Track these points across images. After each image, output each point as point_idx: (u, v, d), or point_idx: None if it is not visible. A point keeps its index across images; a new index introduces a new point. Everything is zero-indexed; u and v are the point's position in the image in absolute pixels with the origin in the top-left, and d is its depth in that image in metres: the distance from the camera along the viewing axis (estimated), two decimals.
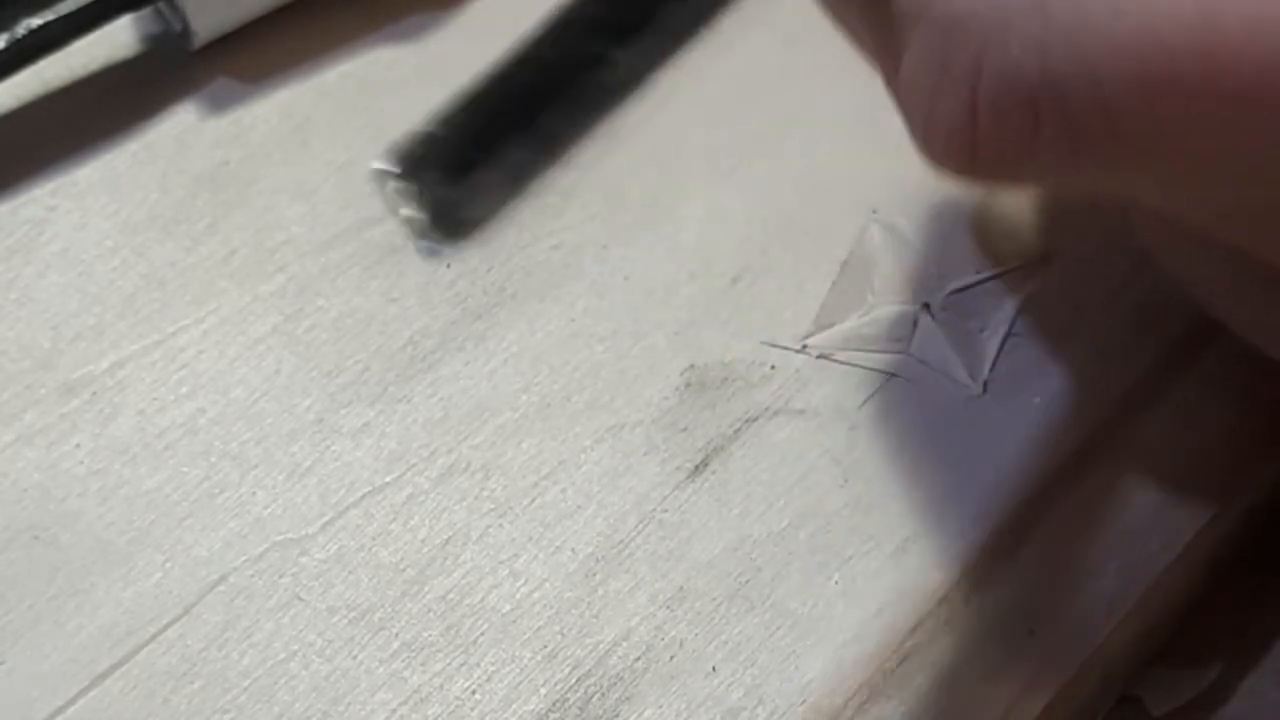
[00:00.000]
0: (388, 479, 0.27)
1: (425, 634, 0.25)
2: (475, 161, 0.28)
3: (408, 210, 0.23)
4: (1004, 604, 0.26)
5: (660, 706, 0.25)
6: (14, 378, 0.28)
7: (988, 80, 0.19)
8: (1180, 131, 0.18)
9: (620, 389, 0.28)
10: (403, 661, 0.25)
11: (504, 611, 0.25)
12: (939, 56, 0.19)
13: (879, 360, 0.28)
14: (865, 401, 0.28)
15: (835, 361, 0.28)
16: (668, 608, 0.26)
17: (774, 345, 0.28)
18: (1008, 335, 0.29)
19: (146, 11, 0.32)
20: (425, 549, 0.26)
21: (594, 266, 0.30)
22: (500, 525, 0.26)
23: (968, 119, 0.19)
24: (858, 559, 0.26)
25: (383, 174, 0.26)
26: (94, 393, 0.28)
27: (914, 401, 0.28)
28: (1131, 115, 0.18)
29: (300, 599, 0.25)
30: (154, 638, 0.25)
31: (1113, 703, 0.28)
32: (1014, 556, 0.26)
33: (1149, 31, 0.17)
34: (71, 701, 0.24)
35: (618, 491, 0.27)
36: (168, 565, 0.26)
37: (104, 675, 0.25)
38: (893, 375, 0.28)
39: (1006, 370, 0.28)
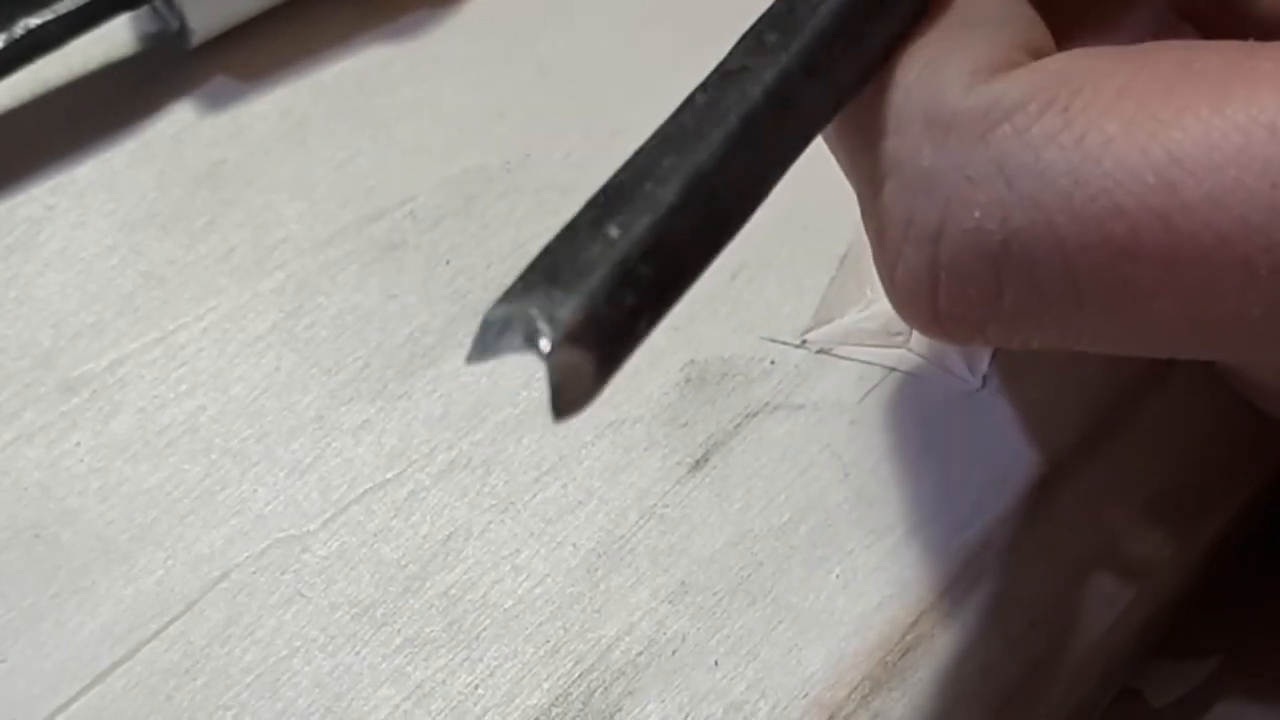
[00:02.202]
0: (389, 475, 0.27)
1: (427, 629, 0.25)
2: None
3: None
4: (1005, 597, 0.26)
5: (663, 701, 0.25)
6: (14, 376, 0.28)
7: (948, 242, 0.19)
8: (1144, 293, 0.18)
9: (620, 384, 0.28)
10: (405, 657, 0.25)
11: (506, 607, 0.25)
12: (906, 211, 0.19)
13: (878, 355, 0.28)
14: (865, 396, 0.28)
15: (835, 356, 0.28)
16: (669, 602, 0.26)
17: (774, 340, 0.28)
18: None
19: (144, 10, 0.32)
20: (427, 545, 0.26)
21: None
22: (501, 521, 0.26)
23: (930, 278, 0.19)
24: (859, 552, 0.26)
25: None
26: (94, 391, 0.28)
27: (913, 396, 0.28)
28: (1094, 280, 0.18)
29: (302, 595, 0.25)
30: (156, 635, 0.25)
31: (1113, 695, 0.28)
32: (1014, 549, 0.26)
33: (1110, 200, 0.17)
34: (74, 699, 0.24)
35: (618, 487, 0.27)
36: (169, 562, 0.26)
37: (106, 673, 0.25)
38: (892, 370, 0.28)
39: (1005, 365, 0.28)
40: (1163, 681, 0.29)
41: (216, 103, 0.32)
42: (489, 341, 0.16)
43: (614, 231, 0.17)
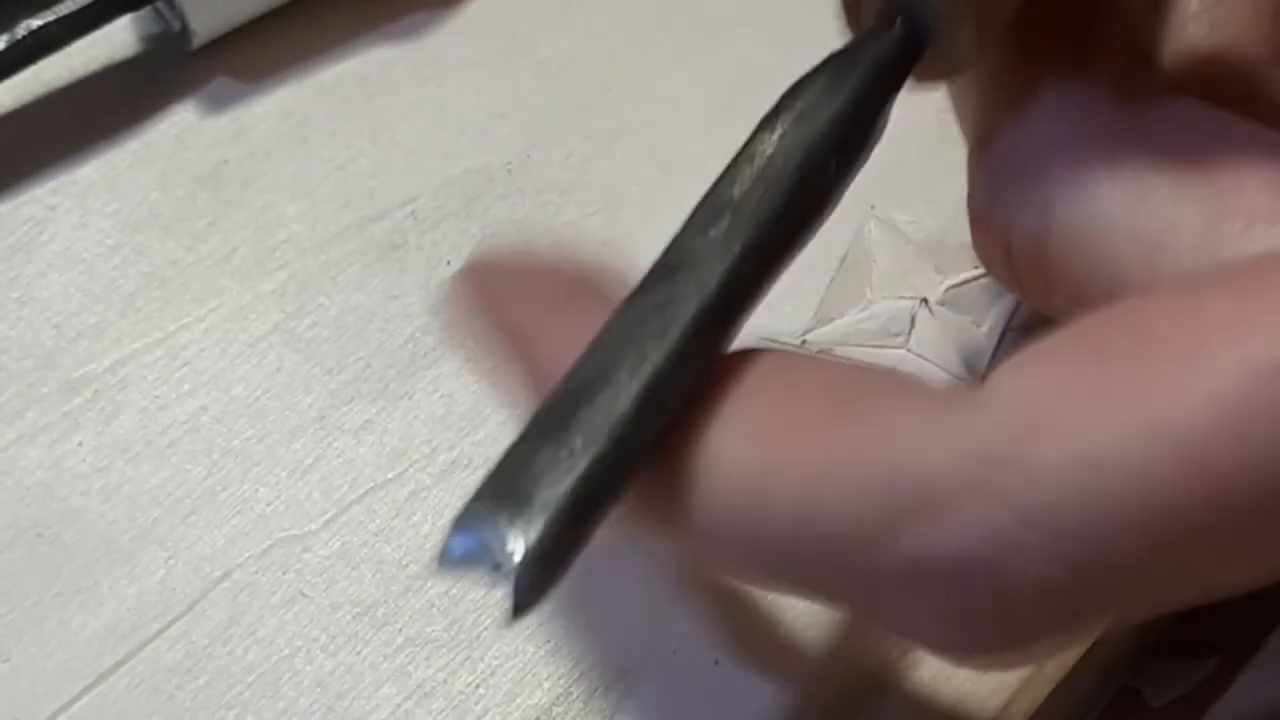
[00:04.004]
0: (390, 475, 0.27)
1: (429, 629, 0.25)
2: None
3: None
4: None
5: (663, 700, 0.25)
6: (16, 376, 0.28)
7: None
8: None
9: None
10: (406, 656, 0.25)
11: (506, 607, 0.25)
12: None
13: (878, 355, 0.28)
14: None
15: (835, 356, 0.28)
16: (670, 602, 0.26)
17: (774, 340, 0.29)
18: (1005, 330, 0.29)
19: (146, 11, 0.32)
20: (428, 545, 0.26)
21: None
22: None
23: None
24: None
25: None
26: (96, 391, 0.28)
27: None
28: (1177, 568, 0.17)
29: (304, 595, 0.26)
30: (158, 634, 0.25)
31: (1112, 694, 0.28)
32: None
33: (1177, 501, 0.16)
34: (76, 699, 0.24)
35: None
36: (171, 562, 0.26)
37: (109, 672, 0.25)
38: (892, 370, 0.28)
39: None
40: (1163, 681, 0.29)
41: (218, 104, 0.32)
42: (451, 563, 0.17)
43: (572, 449, 0.17)
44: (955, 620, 0.18)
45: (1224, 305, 0.17)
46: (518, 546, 0.16)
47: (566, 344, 0.19)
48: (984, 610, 0.18)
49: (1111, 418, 0.16)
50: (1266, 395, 0.16)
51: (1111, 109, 0.22)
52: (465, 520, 0.17)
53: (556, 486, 0.17)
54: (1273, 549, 0.17)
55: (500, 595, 0.16)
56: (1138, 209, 0.21)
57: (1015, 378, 0.18)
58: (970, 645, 0.18)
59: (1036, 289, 0.22)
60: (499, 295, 0.21)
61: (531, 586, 0.17)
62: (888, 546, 0.18)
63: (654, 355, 0.18)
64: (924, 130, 0.31)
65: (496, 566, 0.16)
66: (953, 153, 0.32)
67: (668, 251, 0.20)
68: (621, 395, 0.18)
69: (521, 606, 0.17)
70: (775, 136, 0.20)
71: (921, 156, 0.31)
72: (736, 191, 0.20)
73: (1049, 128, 0.23)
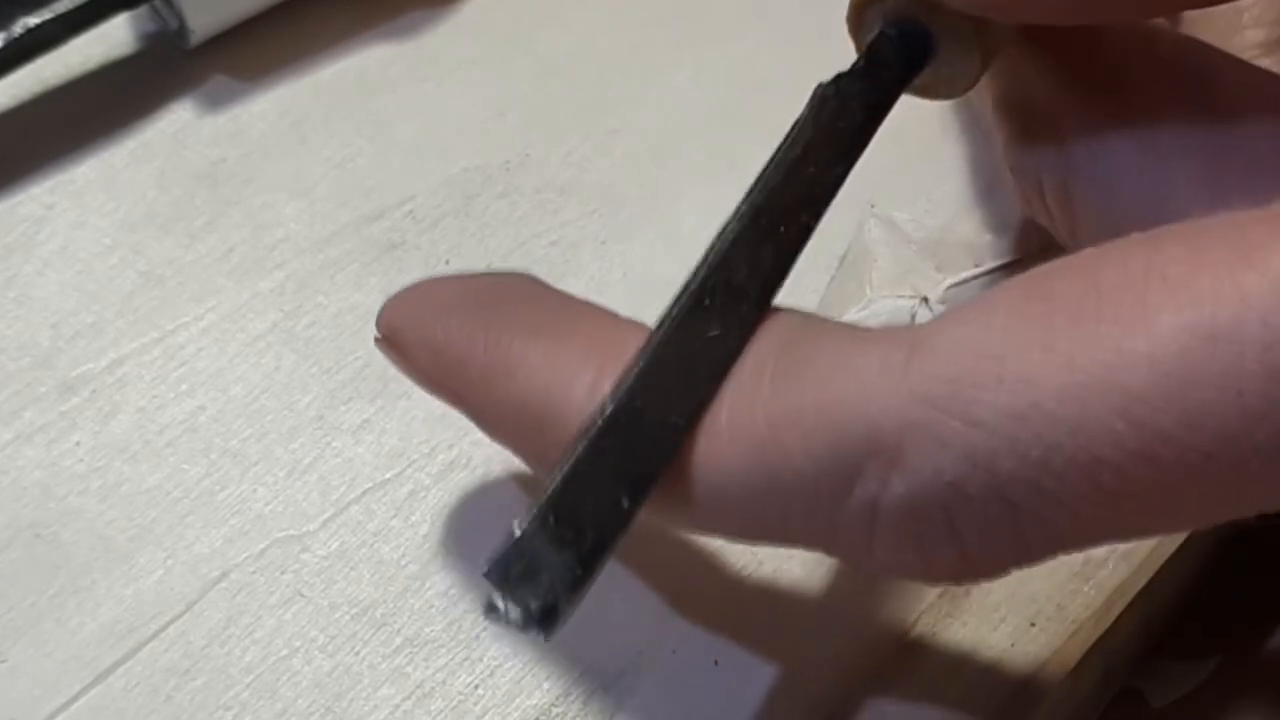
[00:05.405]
0: (388, 475, 0.27)
1: (427, 629, 0.25)
2: None
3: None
4: (1005, 597, 0.26)
5: (663, 700, 0.25)
6: (13, 376, 0.28)
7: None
8: (1148, 514, 0.18)
9: None
10: (405, 657, 0.25)
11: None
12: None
13: None
14: None
15: None
16: (670, 601, 0.26)
17: None
18: None
19: (143, 10, 0.32)
20: (427, 545, 0.26)
21: (592, 262, 0.30)
22: None
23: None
24: None
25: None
26: (93, 390, 0.28)
27: None
28: (1097, 520, 0.18)
29: (302, 595, 0.25)
30: (156, 635, 0.25)
31: (1113, 694, 0.28)
32: None
33: (1089, 456, 0.17)
34: (74, 699, 0.24)
35: None
36: (169, 562, 0.26)
37: (106, 672, 0.25)
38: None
39: None
40: (1163, 681, 0.29)
41: (216, 102, 0.32)
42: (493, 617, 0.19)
43: (571, 536, 0.19)
44: (913, 553, 0.19)
45: (1175, 262, 0.17)
46: (530, 613, 0.19)
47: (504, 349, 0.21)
48: (939, 544, 0.18)
49: (1053, 369, 0.17)
50: (1202, 361, 0.16)
51: (1122, 61, 0.23)
52: (494, 587, 0.19)
53: (558, 569, 0.19)
54: (1204, 503, 0.18)
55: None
56: (1143, 159, 0.22)
57: (961, 324, 0.18)
58: (931, 575, 0.19)
59: (1067, 229, 0.24)
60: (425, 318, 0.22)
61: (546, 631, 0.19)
62: (841, 494, 0.18)
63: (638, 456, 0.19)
64: (924, 130, 0.31)
65: (518, 629, 0.19)
66: (953, 152, 0.32)
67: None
68: (615, 490, 0.19)
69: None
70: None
71: (921, 156, 0.31)
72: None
73: (1065, 80, 0.23)
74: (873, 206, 0.30)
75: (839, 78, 0.23)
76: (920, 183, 0.31)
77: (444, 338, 0.22)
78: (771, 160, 0.22)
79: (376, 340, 0.23)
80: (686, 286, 0.21)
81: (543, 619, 0.19)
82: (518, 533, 0.19)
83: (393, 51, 0.33)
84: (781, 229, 0.21)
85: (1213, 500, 0.18)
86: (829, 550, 0.20)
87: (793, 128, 0.22)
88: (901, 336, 0.19)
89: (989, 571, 0.19)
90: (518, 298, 0.22)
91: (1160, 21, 0.25)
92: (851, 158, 0.22)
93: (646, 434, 0.19)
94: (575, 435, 0.19)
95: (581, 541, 0.19)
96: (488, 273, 0.25)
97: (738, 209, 0.21)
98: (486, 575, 0.19)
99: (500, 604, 0.19)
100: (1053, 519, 0.18)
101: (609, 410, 0.19)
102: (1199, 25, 0.25)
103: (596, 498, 0.19)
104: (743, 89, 0.32)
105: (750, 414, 0.19)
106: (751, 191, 0.21)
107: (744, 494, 0.19)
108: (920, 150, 0.31)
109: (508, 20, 0.33)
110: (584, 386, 0.20)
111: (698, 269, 0.21)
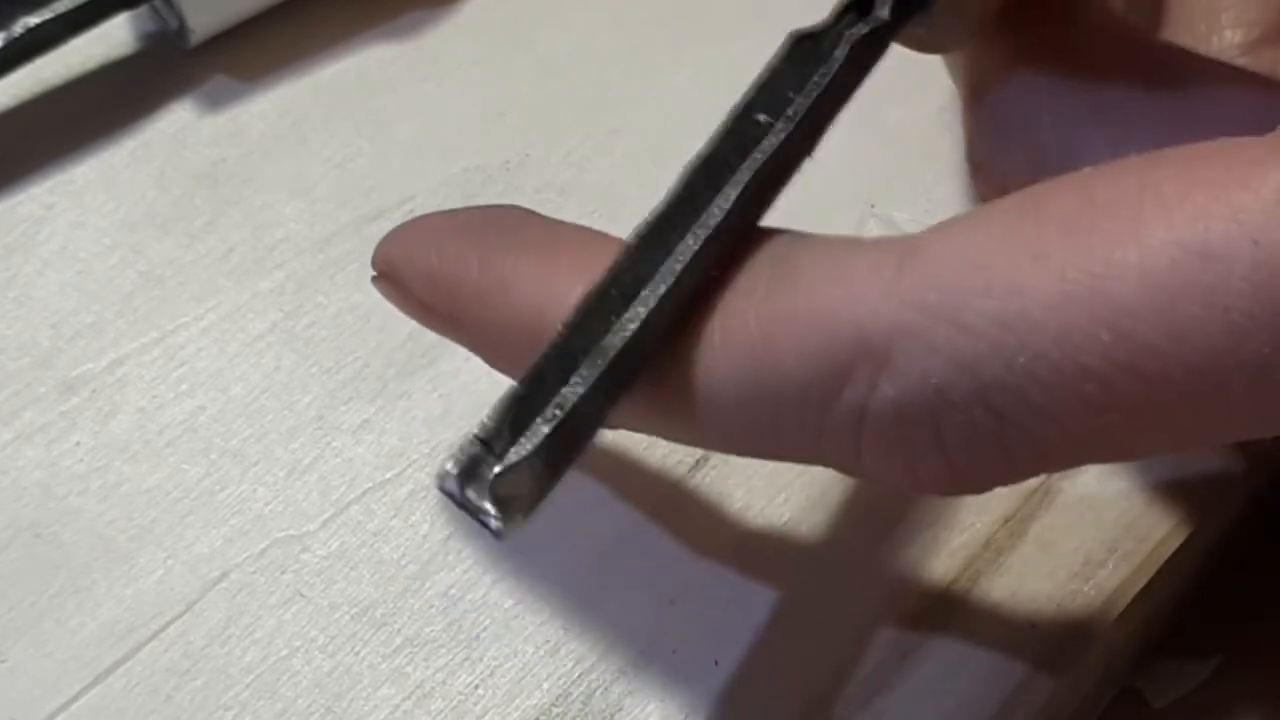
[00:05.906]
0: (389, 475, 0.27)
1: (427, 629, 0.25)
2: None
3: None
4: (1005, 597, 0.26)
5: (663, 701, 0.25)
6: (13, 376, 0.28)
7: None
8: (1131, 431, 0.18)
9: None
10: (405, 657, 0.25)
11: (506, 607, 0.25)
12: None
13: None
14: None
15: None
16: (670, 602, 0.26)
17: None
18: None
19: (143, 10, 0.32)
20: (427, 545, 0.26)
21: None
22: None
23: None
24: (858, 552, 0.26)
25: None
26: (93, 390, 0.28)
27: None
28: (1082, 435, 0.18)
29: (302, 595, 0.25)
30: (156, 635, 0.25)
31: (1114, 695, 0.28)
32: (1015, 549, 0.26)
33: (1075, 365, 0.17)
34: (74, 699, 0.24)
35: (618, 487, 0.27)
36: (169, 562, 0.26)
37: (106, 672, 0.25)
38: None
39: None
40: (1163, 681, 0.29)
41: (216, 102, 0.32)
42: (451, 487, 0.19)
43: (533, 429, 0.19)
44: (900, 460, 0.19)
45: (1170, 180, 0.17)
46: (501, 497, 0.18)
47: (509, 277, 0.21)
48: (925, 451, 0.18)
49: (1042, 278, 0.17)
50: (1192, 276, 0.16)
51: (1094, 58, 0.23)
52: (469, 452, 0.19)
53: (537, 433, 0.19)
54: (1190, 422, 0.18)
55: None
56: (1120, 155, 0.22)
57: (954, 233, 0.18)
58: (918, 484, 0.19)
59: None
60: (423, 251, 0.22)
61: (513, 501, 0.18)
62: (830, 397, 0.19)
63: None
64: (924, 130, 0.31)
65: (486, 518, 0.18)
66: (952, 152, 0.32)
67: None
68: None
69: (509, 514, 0.18)
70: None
71: (921, 156, 0.31)
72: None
73: (1037, 81, 0.23)
74: (873, 206, 0.30)
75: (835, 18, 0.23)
76: (920, 183, 0.31)
77: (438, 262, 0.22)
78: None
79: (373, 278, 0.23)
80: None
81: (504, 510, 0.18)
82: (487, 423, 0.19)
83: (393, 51, 0.33)
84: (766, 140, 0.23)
85: (1199, 420, 0.18)
86: (818, 458, 0.20)
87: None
88: (894, 244, 0.19)
89: (974, 483, 0.19)
90: (509, 222, 0.23)
91: (1139, 25, 0.25)
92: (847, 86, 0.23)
93: (611, 328, 0.19)
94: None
95: (541, 437, 0.19)
96: (478, 206, 0.25)
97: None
98: (452, 460, 0.18)
99: (459, 491, 0.18)
100: (1038, 431, 0.18)
101: (576, 309, 0.19)
102: (1179, 26, 0.25)
103: (563, 390, 0.19)
104: (742, 89, 0.32)
105: (743, 319, 0.19)
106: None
107: (737, 400, 0.19)
108: (920, 152, 0.31)
109: (508, 20, 0.33)
110: (577, 299, 0.20)
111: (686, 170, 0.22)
